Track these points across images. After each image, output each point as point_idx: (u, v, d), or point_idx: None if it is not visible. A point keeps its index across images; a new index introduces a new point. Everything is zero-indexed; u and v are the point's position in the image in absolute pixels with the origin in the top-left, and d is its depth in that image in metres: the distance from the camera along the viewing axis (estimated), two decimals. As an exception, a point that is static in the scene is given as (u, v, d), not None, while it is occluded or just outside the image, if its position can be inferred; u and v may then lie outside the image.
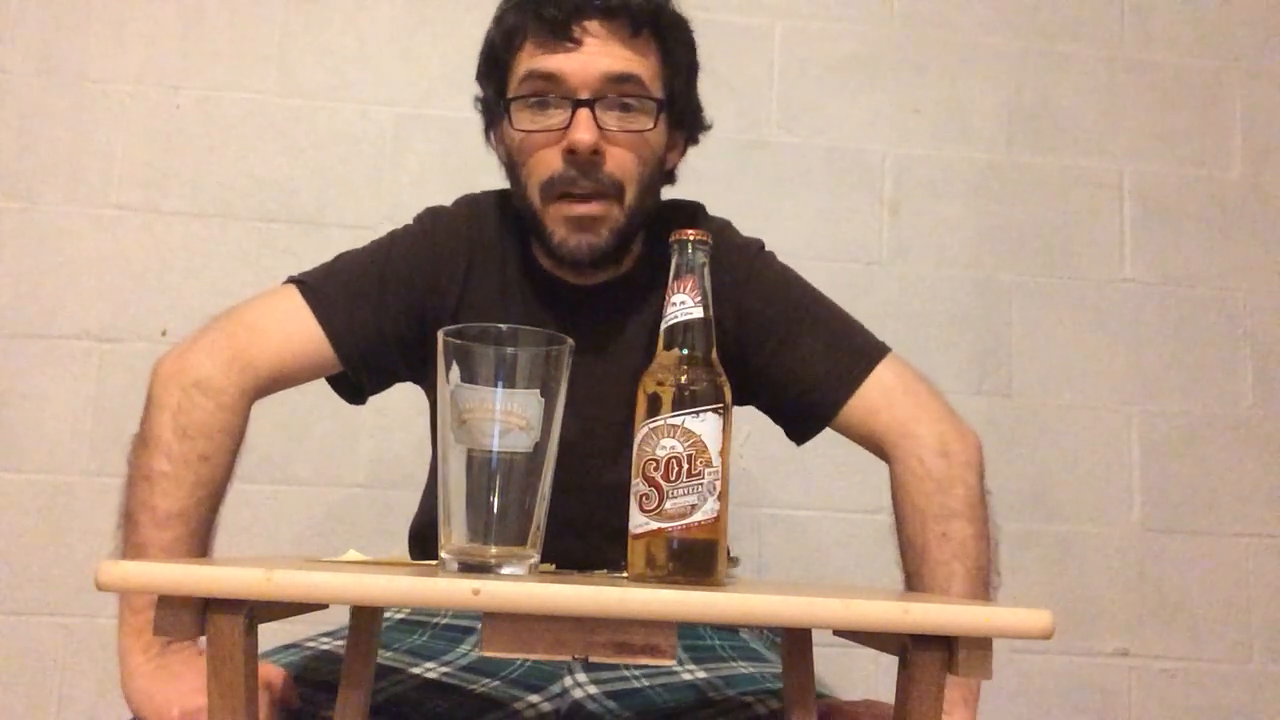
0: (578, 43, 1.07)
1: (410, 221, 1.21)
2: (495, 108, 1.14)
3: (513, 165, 1.12)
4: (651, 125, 1.10)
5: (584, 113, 1.06)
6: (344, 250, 1.19)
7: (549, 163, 1.08)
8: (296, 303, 1.11)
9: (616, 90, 1.07)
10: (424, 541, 1.21)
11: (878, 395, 1.12)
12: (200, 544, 1.03)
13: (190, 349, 1.07)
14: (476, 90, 1.18)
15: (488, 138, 1.18)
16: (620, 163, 1.08)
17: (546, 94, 1.08)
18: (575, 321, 1.11)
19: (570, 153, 1.06)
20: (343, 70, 1.90)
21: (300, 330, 1.10)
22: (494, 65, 1.14)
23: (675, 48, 1.13)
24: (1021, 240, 1.97)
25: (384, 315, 1.12)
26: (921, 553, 1.06)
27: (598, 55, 1.07)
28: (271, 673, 0.97)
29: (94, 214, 1.82)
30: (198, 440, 1.02)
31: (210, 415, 1.03)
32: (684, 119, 1.17)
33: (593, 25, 1.07)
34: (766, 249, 1.22)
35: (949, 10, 2.02)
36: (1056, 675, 1.86)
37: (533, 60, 1.08)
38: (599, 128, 1.06)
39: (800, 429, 1.18)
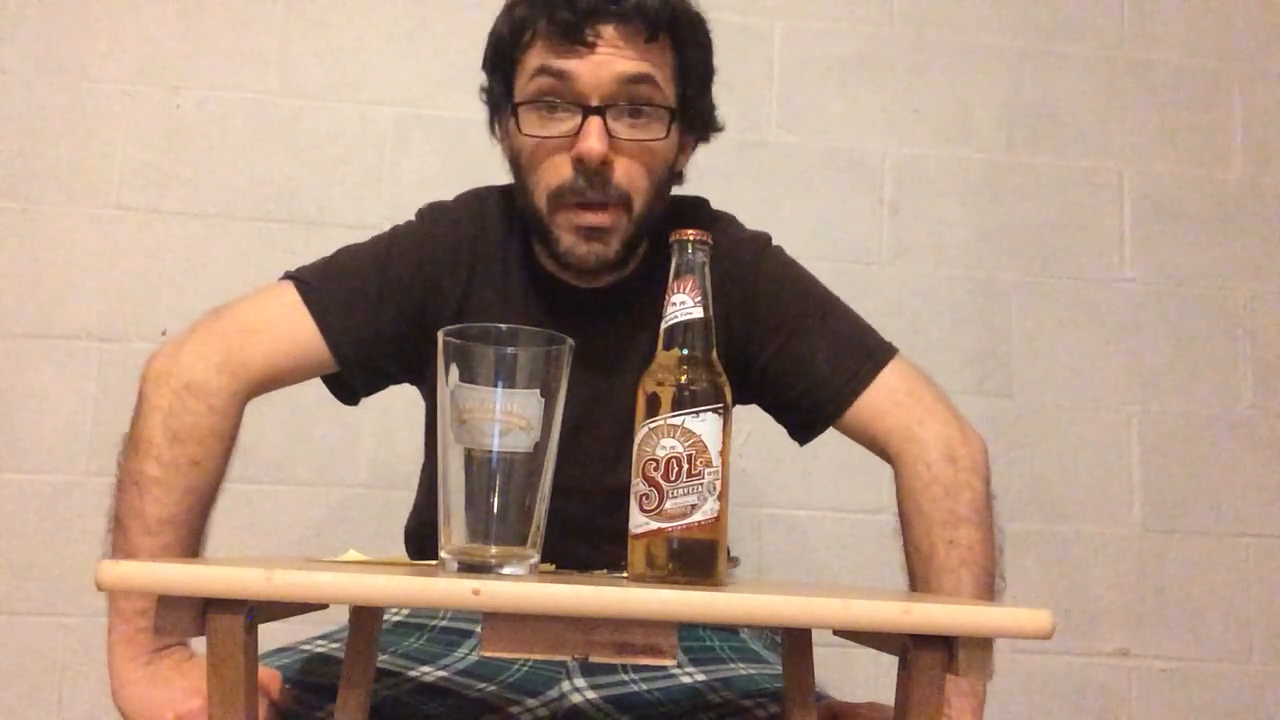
0: (590, 46, 1.03)
1: (412, 218, 1.19)
2: (501, 104, 1.11)
3: (519, 168, 1.10)
4: (664, 135, 1.07)
5: (595, 120, 1.03)
6: (344, 245, 1.18)
7: (558, 170, 1.05)
8: (293, 302, 1.10)
9: (629, 94, 1.04)
10: (420, 542, 1.20)
11: (884, 398, 1.11)
12: (191, 550, 1.02)
13: (182, 349, 1.05)
14: (477, 88, 1.15)
15: (492, 129, 1.15)
16: (628, 173, 1.06)
17: (556, 95, 1.04)
18: (579, 324, 1.10)
19: (579, 161, 1.03)
20: (343, 70, 1.90)
21: (295, 331, 1.09)
22: (501, 59, 1.10)
23: (691, 50, 1.10)
24: (1021, 240, 1.97)
25: (382, 317, 1.11)
26: (929, 559, 1.06)
27: (611, 58, 1.03)
28: (265, 675, 0.96)
29: (94, 214, 1.82)
30: (188, 445, 1.01)
31: (201, 419, 1.02)
32: (696, 122, 1.14)
33: (607, 29, 1.03)
34: (774, 243, 1.21)
35: (949, 10, 2.01)
36: (1056, 675, 1.86)
37: (543, 58, 1.05)
38: (610, 135, 1.03)
39: (804, 429, 1.17)
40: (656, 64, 1.06)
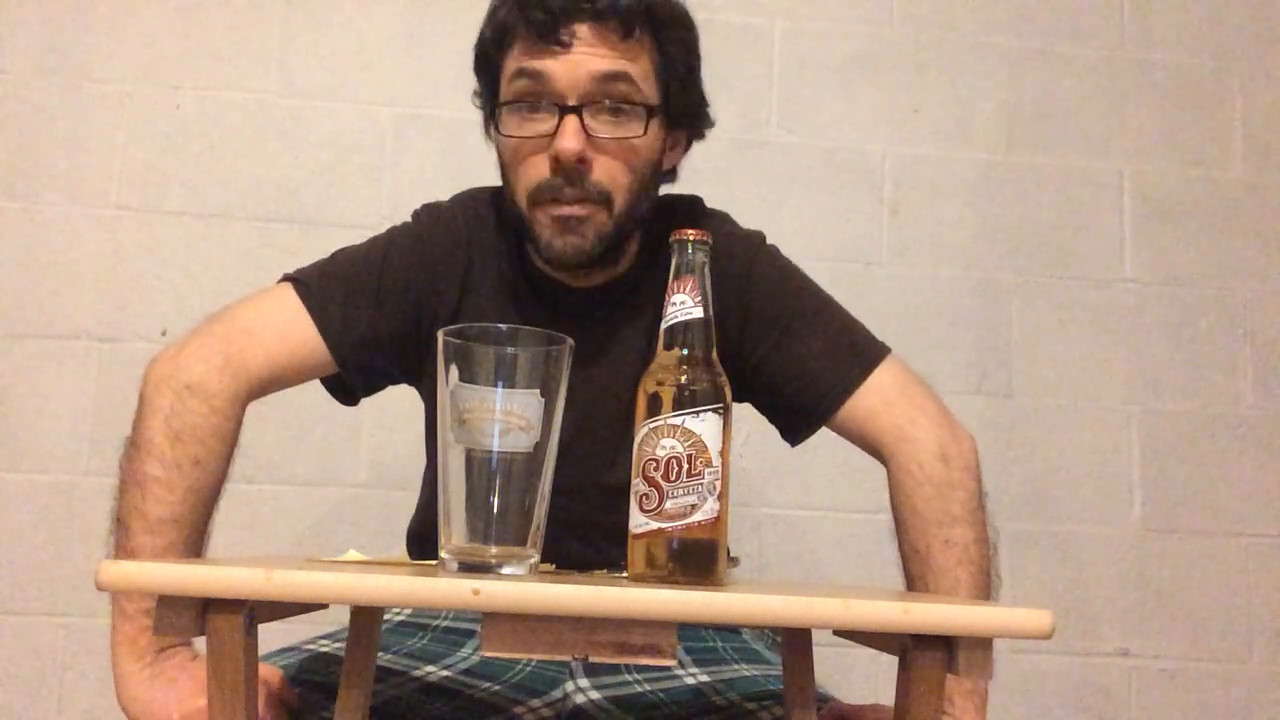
0: (566, 46, 1.04)
1: (408, 219, 1.20)
2: (488, 108, 1.13)
3: (504, 168, 1.11)
4: (642, 132, 1.07)
5: (571, 120, 1.03)
6: (341, 247, 1.18)
7: (537, 169, 1.06)
8: (292, 303, 1.10)
9: (605, 92, 1.04)
10: (422, 542, 1.20)
11: (876, 397, 1.11)
12: (193, 549, 1.02)
13: (183, 351, 1.06)
14: (475, 87, 1.16)
15: (487, 132, 1.15)
16: (608, 171, 1.06)
17: (534, 95, 1.05)
18: (574, 322, 1.10)
19: (556, 160, 1.04)
20: (343, 70, 1.90)
21: (295, 332, 1.09)
22: (486, 61, 1.12)
23: (671, 45, 1.10)
24: (1021, 240, 1.97)
25: (380, 318, 1.12)
26: (925, 559, 1.06)
27: (587, 57, 1.04)
28: (268, 672, 0.97)
29: (94, 214, 1.82)
30: (190, 444, 1.01)
31: (203, 419, 1.02)
32: (683, 117, 1.14)
33: (582, 28, 1.04)
34: (769, 242, 1.21)
35: (949, 10, 2.01)
36: (1056, 675, 1.86)
37: (520, 60, 1.06)
38: (587, 134, 1.04)
39: (795, 429, 1.17)
40: (634, 61, 1.06)
